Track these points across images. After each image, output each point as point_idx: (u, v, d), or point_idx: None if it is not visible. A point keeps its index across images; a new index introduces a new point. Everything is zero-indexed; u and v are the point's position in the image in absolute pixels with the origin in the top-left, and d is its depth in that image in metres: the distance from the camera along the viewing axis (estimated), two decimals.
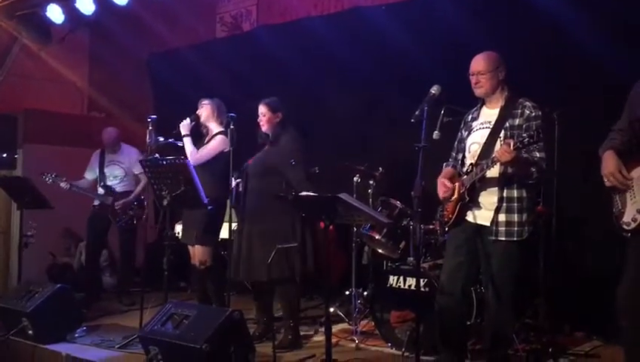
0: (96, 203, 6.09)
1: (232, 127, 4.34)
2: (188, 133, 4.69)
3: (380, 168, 5.06)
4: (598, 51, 4.30)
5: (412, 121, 3.28)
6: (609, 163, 2.89)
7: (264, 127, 4.46)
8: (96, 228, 6.11)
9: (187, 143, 4.66)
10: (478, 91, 3.49)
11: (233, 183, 4.49)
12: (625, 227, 2.85)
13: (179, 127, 4.68)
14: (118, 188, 6.10)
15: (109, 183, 6.09)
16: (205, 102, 4.83)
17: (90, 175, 6.20)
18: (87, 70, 7.99)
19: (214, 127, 4.79)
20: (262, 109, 4.46)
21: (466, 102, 3.65)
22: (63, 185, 5.84)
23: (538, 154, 3.30)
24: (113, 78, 7.62)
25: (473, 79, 3.48)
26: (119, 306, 5.91)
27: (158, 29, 7.09)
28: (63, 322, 4.56)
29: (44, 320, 4.44)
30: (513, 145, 3.09)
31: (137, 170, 6.08)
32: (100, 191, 6.09)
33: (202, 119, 4.80)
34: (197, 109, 4.83)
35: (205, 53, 7.04)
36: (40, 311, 4.42)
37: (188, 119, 4.72)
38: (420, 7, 5.46)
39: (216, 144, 4.67)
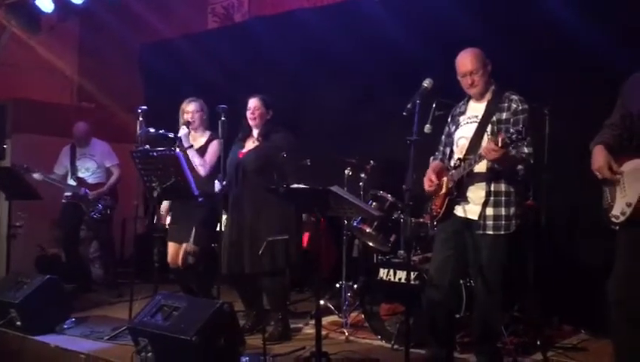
0: (67, 194, 6.07)
1: (223, 118, 4.30)
2: (191, 143, 4.61)
3: (372, 161, 5.06)
4: (591, 45, 4.31)
5: (404, 114, 3.26)
6: (598, 157, 2.90)
7: (253, 122, 4.43)
8: (69, 221, 6.11)
9: (194, 156, 4.58)
10: (474, 91, 3.45)
11: (218, 186, 4.41)
12: (613, 220, 2.86)
13: (180, 139, 4.58)
14: (90, 180, 6.10)
15: (80, 175, 6.08)
16: (193, 108, 4.70)
17: (60, 170, 6.17)
18: (77, 60, 7.93)
19: (202, 131, 4.75)
20: (255, 103, 4.43)
21: (459, 96, 3.64)
22: (36, 176, 5.81)
23: (526, 150, 3.29)
24: (103, 67, 7.56)
25: (467, 80, 3.42)
26: (108, 298, 5.88)
27: (149, 19, 7.05)
28: (52, 313, 4.54)
29: (33, 312, 4.42)
30: (501, 143, 3.06)
31: (109, 162, 6.22)
32: (72, 182, 6.06)
33: (195, 126, 4.70)
34: (184, 104, 4.73)
35: (196, 44, 7.00)
36: (29, 302, 4.40)
37: (184, 128, 4.62)
38: None
39: (216, 148, 4.61)
